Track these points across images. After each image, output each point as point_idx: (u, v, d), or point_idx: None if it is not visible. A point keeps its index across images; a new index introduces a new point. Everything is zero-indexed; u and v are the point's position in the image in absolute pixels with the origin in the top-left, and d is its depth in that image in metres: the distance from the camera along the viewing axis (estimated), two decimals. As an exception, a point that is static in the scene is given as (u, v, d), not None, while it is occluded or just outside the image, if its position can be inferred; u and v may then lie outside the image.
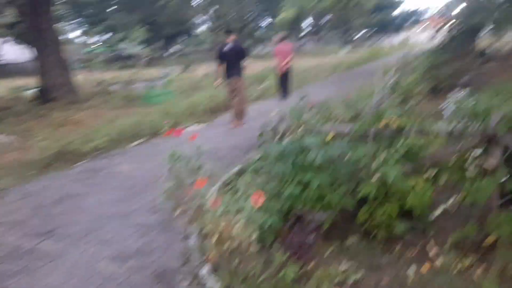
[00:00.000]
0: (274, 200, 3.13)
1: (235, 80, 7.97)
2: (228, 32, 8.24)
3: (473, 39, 13.86)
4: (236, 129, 7.90)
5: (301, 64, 26.02)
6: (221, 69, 8.01)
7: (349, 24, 51.88)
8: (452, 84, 10.96)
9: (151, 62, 26.73)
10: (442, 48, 15.30)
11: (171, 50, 59.18)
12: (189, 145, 3.31)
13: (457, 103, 3.13)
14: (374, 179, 2.99)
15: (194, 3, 45.11)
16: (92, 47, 38.26)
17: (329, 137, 3.37)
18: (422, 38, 63.81)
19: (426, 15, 59.59)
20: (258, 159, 3.81)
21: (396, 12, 53.94)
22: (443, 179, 2.93)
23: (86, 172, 5.68)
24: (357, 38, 54.08)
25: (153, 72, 23.73)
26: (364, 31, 58.37)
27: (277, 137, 3.84)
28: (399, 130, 3.16)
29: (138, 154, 6.52)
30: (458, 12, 16.67)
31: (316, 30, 54.49)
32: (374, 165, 2.99)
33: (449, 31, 15.50)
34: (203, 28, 61.36)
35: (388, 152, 3.01)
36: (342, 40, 58.55)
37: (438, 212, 2.87)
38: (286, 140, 3.64)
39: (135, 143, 7.37)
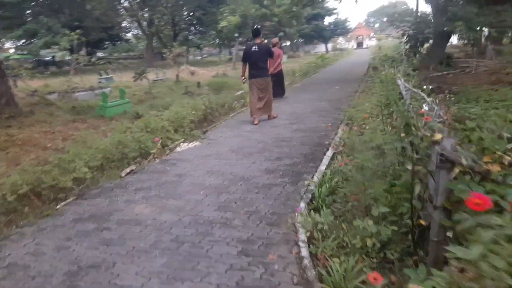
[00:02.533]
0: None
1: (263, 80, 8.34)
2: (255, 33, 8.68)
3: (444, 46, 13.93)
4: (248, 146, 6.53)
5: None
6: (245, 69, 8.43)
7: (283, 32, 52.34)
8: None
9: (80, 69, 23.94)
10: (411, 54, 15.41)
11: (98, 56, 55.08)
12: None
13: None
14: None
15: (122, 7, 42.13)
16: (9, 53, 33.75)
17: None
18: (350, 46, 66.90)
19: (353, 25, 62.13)
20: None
21: (327, 22, 55.42)
22: None
23: (86, 220, 3.96)
24: (291, 45, 54.66)
25: (88, 79, 21.19)
26: (296, 39, 59.38)
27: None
28: None
29: (145, 187, 4.88)
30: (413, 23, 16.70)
31: (249, 38, 54.27)
32: None
33: (409, 39, 15.62)
34: (133, 33, 58.36)
35: None
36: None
37: None
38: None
39: (127, 170, 5.69)
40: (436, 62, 12.68)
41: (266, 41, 10.25)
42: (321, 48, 57.96)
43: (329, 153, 5.68)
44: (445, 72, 14.23)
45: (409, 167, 3.34)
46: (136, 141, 6.54)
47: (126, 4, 41.35)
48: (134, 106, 11.71)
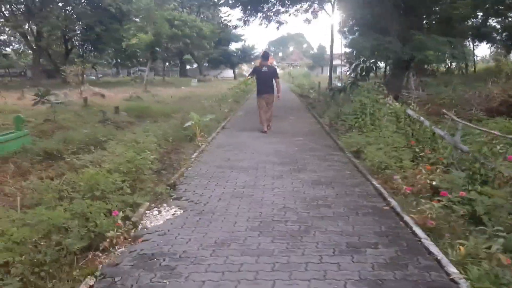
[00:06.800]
0: None
1: (269, 95, 9.66)
2: (266, 56, 10.05)
3: (402, 77, 13.20)
4: (269, 217, 4.09)
5: (181, 93, 22.32)
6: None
7: (190, 54, 50.28)
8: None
9: None
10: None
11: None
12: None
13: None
14: None
15: (1, 17, 35.56)
16: None
17: None
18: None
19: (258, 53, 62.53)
20: None
21: (234, 48, 54.90)
22: None
23: None
24: (199, 69, 52.70)
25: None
26: (203, 63, 57.70)
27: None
28: None
29: None
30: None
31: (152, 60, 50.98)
32: None
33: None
34: (12, 48, 50.57)
35: None
36: (178, 71, 56.34)
37: None
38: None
39: (80, 291, 2.85)
40: (395, 92, 11.82)
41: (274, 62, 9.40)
42: (228, 73, 57.02)
43: (422, 234, 3.61)
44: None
45: None
46: (80, 218, 3.69)
47: (7, 13, 34.93)
48: (36, 140, 8.35)
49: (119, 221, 3.88)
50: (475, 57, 36.95)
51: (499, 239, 3.04)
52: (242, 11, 19.86)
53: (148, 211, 4.47)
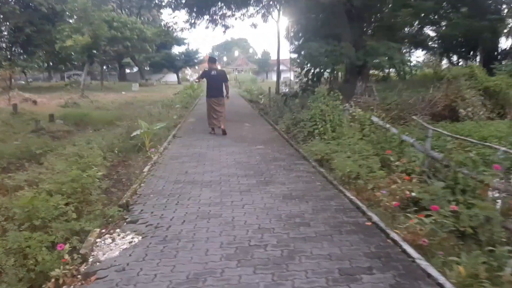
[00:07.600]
0: None
1: (218, 98, 9.84)
2: (213, 60, 10.46)
3: (355, 83, 13.24)
4: (247, 241, 3.58)
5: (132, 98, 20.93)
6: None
7: (130, 58, 48.28)
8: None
9: None
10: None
11: None
12: None
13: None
14: None
15: None
16: None
17: None
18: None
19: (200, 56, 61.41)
20: None
21: (177, 51, 53.58)
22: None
23: None
24: (140, 73, 50.69)
25: None
26: (145, 67, 55.68)
27: None
28: None
29: None
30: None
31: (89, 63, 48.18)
32: None
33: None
34: None
35: None
36: (116, 75, 53.75)
37: None
38: None
39: None
40: (348, 99, 11.83)
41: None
42: (171, 77, 55.50)
43: (414, 253, 3.31)
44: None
45: None
46: (17, 255, 2.97)
47: None
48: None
49: (66, 256, 3.19)
50: (411, 63, 39.05)
51: (510, 260, 2.79)
52: (187, 14, 19.15)
53: (99, 240, 3.79)
